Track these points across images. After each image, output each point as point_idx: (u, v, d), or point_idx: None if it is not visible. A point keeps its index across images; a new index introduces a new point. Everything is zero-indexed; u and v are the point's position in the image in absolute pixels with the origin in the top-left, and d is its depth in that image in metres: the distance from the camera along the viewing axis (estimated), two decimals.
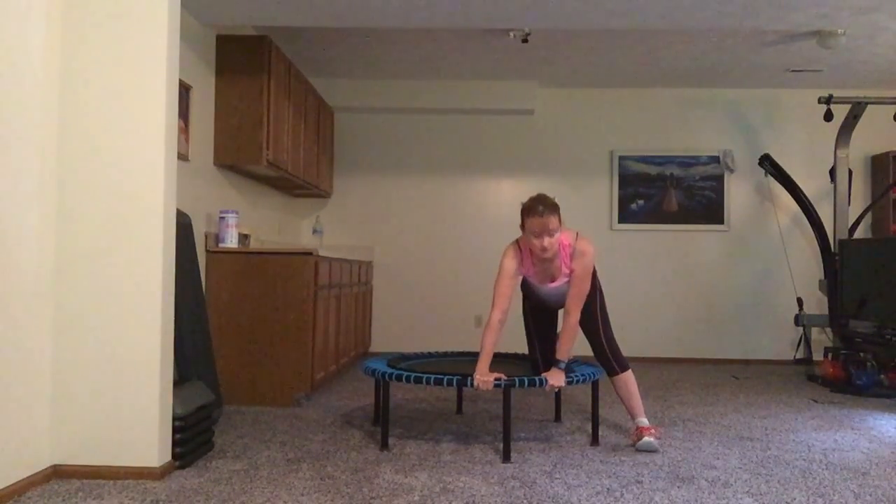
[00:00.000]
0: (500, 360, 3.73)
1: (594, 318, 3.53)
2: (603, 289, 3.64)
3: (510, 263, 3.42)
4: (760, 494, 2.75)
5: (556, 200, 3.32)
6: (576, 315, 3.40)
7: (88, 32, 2.89)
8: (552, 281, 3.47)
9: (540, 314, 3.74)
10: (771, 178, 6.39)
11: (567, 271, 3.42)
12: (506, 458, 3.18)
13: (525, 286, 3.66)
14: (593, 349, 3.55)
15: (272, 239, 5.83)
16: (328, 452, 3.29)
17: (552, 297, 3.59)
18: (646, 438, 3.39)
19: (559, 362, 3.34)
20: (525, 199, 3.39)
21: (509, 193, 6.76)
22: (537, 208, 3.26)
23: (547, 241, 3.28)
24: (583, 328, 3.50)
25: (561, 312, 3.56)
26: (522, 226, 3.34)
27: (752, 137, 6.72)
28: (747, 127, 6.73)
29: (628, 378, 3.52)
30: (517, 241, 3.46)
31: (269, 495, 2.67)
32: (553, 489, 2.78)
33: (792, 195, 6.07)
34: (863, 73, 6.05)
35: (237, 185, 4.99)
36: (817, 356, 6.34)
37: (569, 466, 3.10)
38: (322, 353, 4.61)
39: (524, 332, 3.81)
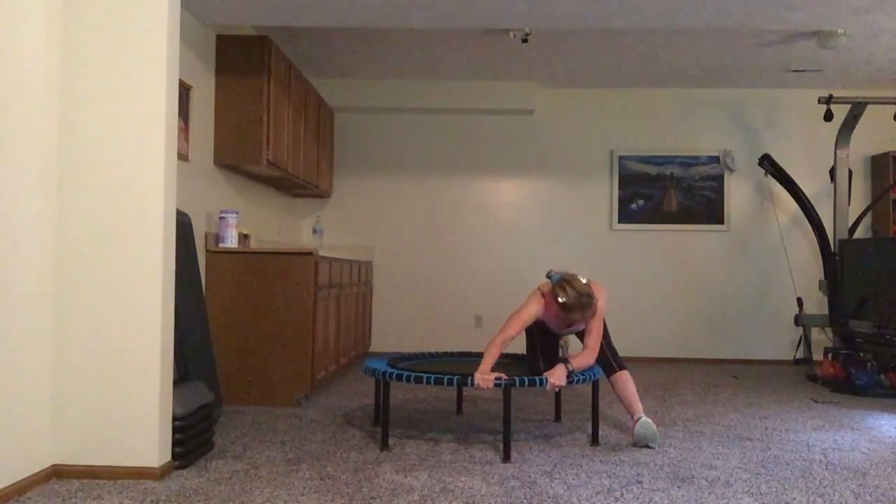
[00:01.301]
0: (500, 360, 3.72)
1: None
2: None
3: (535, 308, 3.44)
4: (760, 494, 2.75)
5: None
6: (595, 349, 3.44)
7: (88, 32, 2.89)
8: (569, 326, 3.51)
9: (546, 333, 3.74)
10: (771, 178, 6.39)
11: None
12: (506, 458, 3.18)
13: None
14: None
15: (272, 239, 5.83)
16: (328, 452, 3.29)
17: (565, 332, 3.66)
18: (644, 419, 3.41)
19: (568, 363, 3.34)
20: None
21: (509, 193, 6.75)
22: (575, 317, 3.34)
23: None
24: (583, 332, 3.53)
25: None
26: (554, 295, 3.35)
27: (752, 137, 6.72)
28: (747, 127, 6.73)
29: (626, 377, 3.56)
30: (543, 293, 3.44)
31: (269, 495, 2.67)
32: (553, 489, 2.78)
33: (792, 195, 6.07)
34: (863, 73, 6.04)
35: (237, 185, 4.99)
36: (817, 356, 6.33)
37: (569, 466, 3.10)
38: (322, 353, 4.60)
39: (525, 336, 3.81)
